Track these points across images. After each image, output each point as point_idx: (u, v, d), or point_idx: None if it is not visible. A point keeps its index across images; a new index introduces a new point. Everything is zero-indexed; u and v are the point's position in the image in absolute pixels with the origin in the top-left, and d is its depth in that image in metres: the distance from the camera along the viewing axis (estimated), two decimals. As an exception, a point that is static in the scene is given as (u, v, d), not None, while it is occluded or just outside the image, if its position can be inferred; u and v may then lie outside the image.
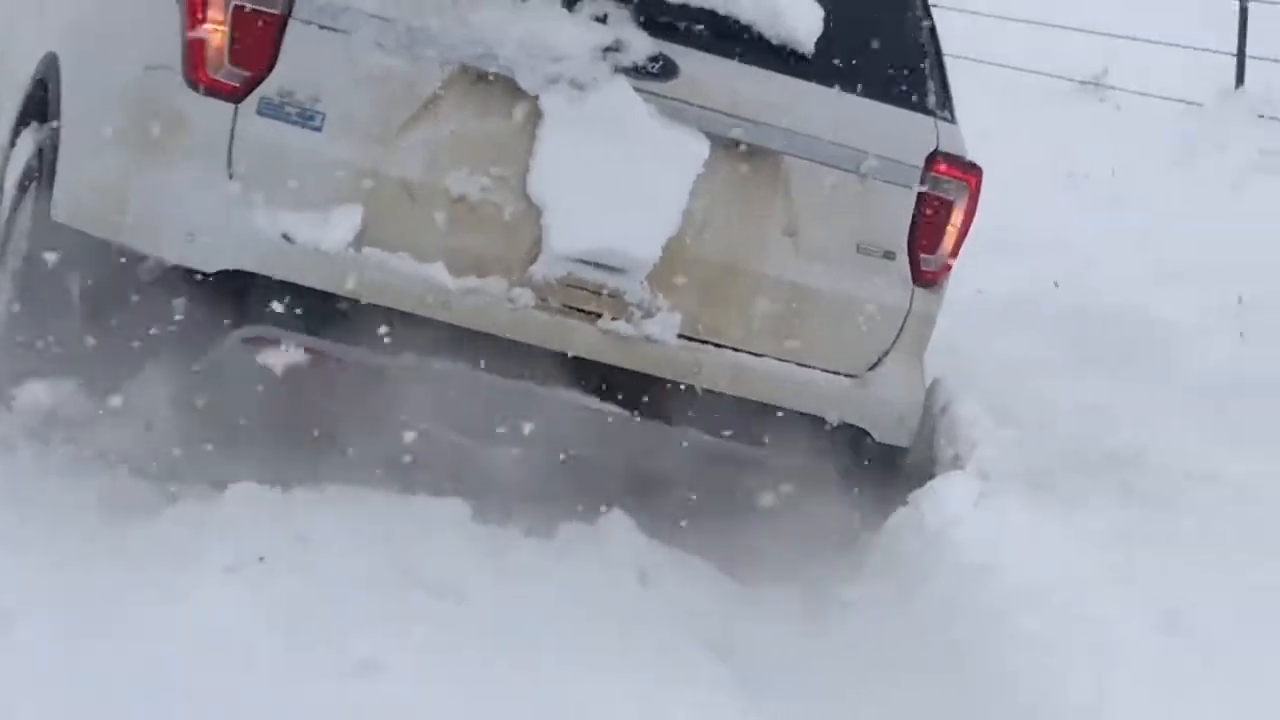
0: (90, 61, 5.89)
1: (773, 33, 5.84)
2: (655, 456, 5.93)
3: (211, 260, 5.52)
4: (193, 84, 5.50)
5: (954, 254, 6.16)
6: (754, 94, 5.81)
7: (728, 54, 5.79)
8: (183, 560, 4.95)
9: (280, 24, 5.52)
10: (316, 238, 5.56)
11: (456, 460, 5.95)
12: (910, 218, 6.04)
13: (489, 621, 4.96)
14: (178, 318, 5.48)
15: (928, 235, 6.07)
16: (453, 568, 5.21)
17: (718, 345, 5.90)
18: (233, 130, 5.53)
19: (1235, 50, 15.86)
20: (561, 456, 5.87)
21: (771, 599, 5.87)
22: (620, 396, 5.83)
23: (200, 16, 5.47)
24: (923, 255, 6.08)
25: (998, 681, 4.95)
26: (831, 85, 5.92)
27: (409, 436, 5.77)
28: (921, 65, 6.13)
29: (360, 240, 5.61)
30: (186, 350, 5.60)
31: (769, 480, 6.00)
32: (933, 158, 6.03)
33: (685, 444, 5.92)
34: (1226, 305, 9.03)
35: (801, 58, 5.88)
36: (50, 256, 5.57)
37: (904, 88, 6.06)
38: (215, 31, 5.48)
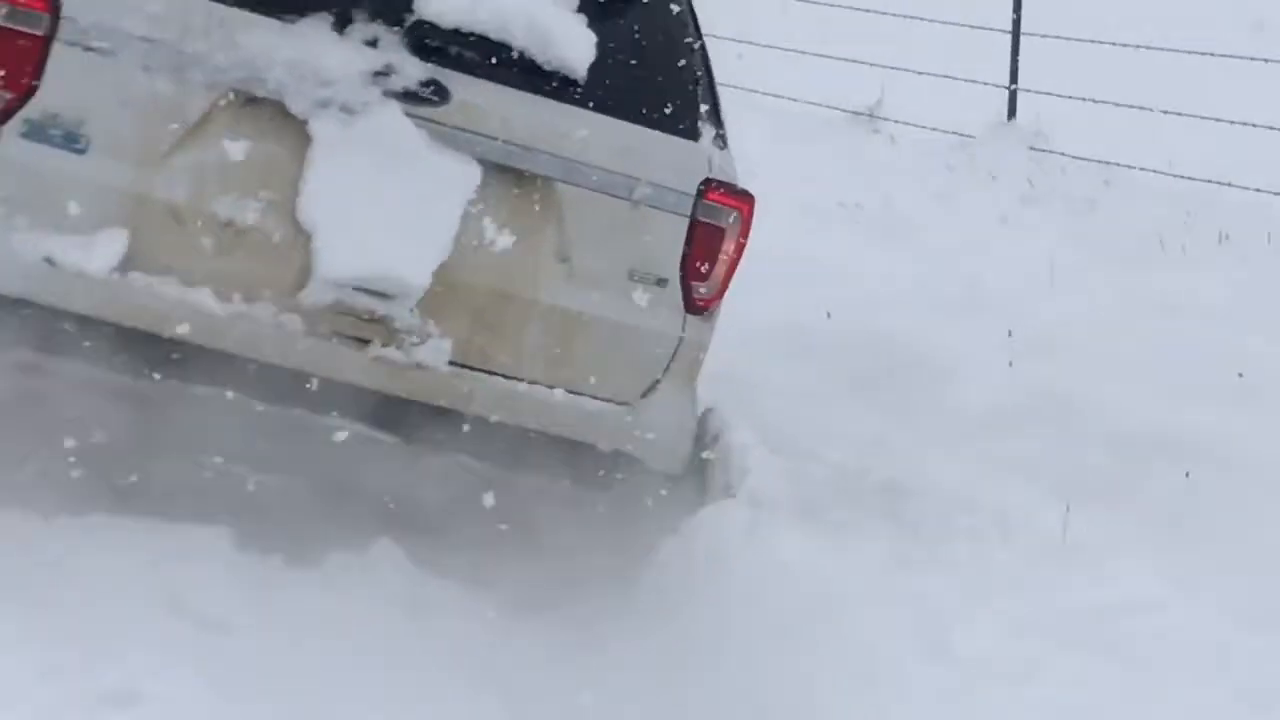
0: None
1: (545, 59, 5.81)
2: (426, 484, 5.88)
3: (-29, 284, 5.40)
4: (-48, 107, 5.38)
5: (726, 282, 6.17)
6: (526, 120, 5.79)
7: (500, 80, 5.76)
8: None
9: (44, 46, 5.40)
10: (80, 262, 5.45)
11: (224, 488, 5.85)
12: (683, 245, 6.04)
13: (253, 653, 4.87)
14: (-64, 343, 5.35)
15: (700, 262, 6.07)
16: (217, 598, 5.12)
17: (489, 372, 5.86)
18: None
19: (1007, 83, 16.13)
20: (331, 484, 5.81)
21: (541, 630, 5.83)
22: (391, 423, 5.77)
23: (-42, 38, 5.35)
24: (695, 283, 6.08)
25: (767, 713, 4.96)
26: (604, 112, 5.91)
27: (175, 464, 5.67)
28: (694, 93, 6.15)
29: (126, 265, 5.50)
30: (-55, 376, 5.47)
31: (540, 508, 5.98)
32: (705, 185, 6.04)
33: (456, 471, 5.88)
34: (997, 337, 9.15)
35: (574, 84, 5.87)
36: None
37: (676, 115, 6.07)
38: None
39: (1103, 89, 14.63)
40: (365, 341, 5.69)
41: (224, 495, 5.87)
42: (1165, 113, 14.10)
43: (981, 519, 6.36)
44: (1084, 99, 14.71)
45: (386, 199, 5.61)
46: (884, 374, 8.46)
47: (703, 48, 6.26)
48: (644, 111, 5.99)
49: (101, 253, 5.48)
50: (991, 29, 16.17)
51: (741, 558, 5.69)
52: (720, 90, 6.32)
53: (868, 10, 16.96)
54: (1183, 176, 13.48)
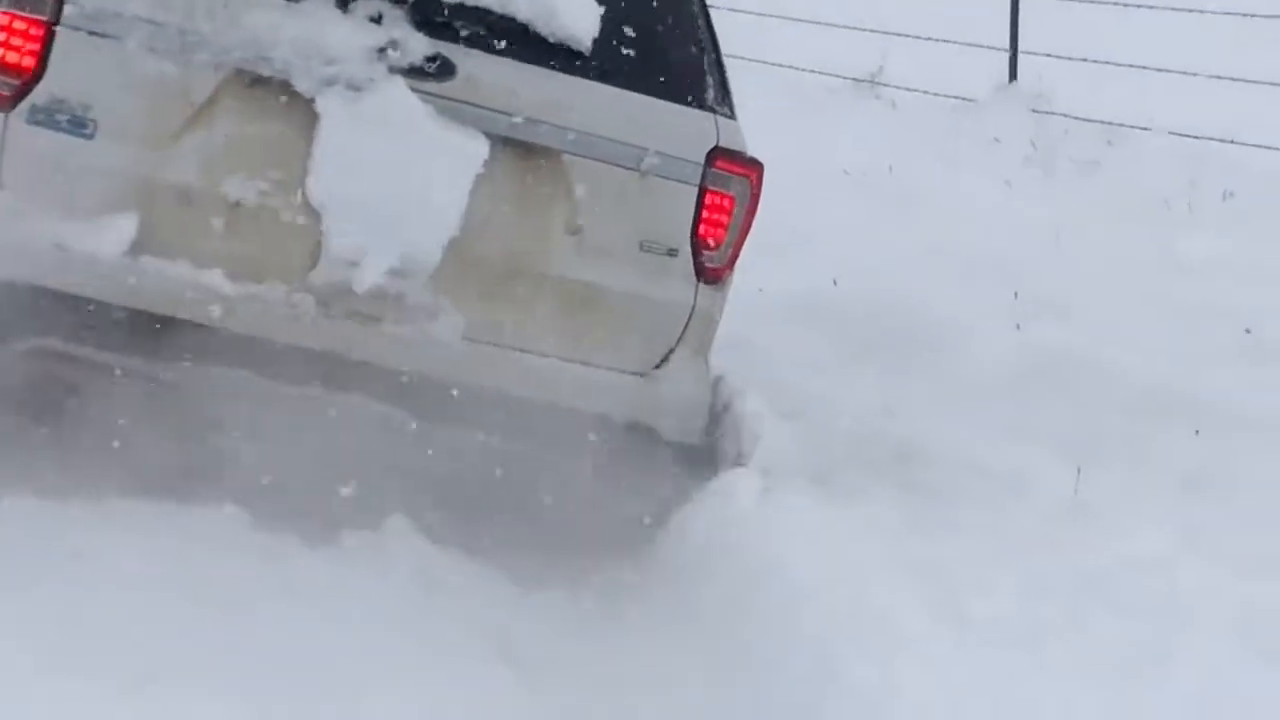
0: None
1: (550, 31, 5.83)
2: (442, 460, 5.89)
3: (-18, 271, 5.42)
4: (-40, 94, 5.40)
5: (737, 250, 6.18)
6: (533, 93, 5.80)
7: (505, 53, 5.77)
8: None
9: (48, 31, 5.42)
10: (91, 246, 5.48)
11: (240, 469, 5.87)
12: (692, 214, 6.05)
13: (272, 633, 4.90)
14: (-49, 331, 5.38)
15: (710, 232, 6.09)
16: (235, 579, 5.14)
17: (502, 346, 5.88)
18: (2, 140, 5.43)
19: (1008, 46, 16.12)
20: (345, 462, 5.83)
21: (557, 601, 5.86)
22: (406, 400, 5.78)
23: (-36, 25, 5.37)
24: (706, 252, 6.10)
25: (782, 677, 4.98)
26: (611, 83, 5.93)
27: (191, 446, 5.69)
28: (700, 62, 6.16)
29: (136, 248, 5.53)
30: (-40, 363, 5.49)
31: (555, 481, 5.99)
32: (713, 154, 6.05)
33: (472, 446, 5.89)
34: (1003, 299, 9.18)
35: (580, 56, 5.88)
36: None
37: (683, 85, 6.08)
38: None
39: (1104, 49, 14.64)
40: (377, 319, 5.71)
41: (239, 476, 5.90)
42: (1167, 71, 14.10)
43: (993, 482, 6.38)
44: (1085, 59, 14.72)
45: (395, 175, 5.63)
46: (892, 339, 8.49)
47: (707, 17, 6.27)
48: (651, 81, 5.99)
49: (112, 236, 5.51)
50: (991, -9, 16.19)
51: (754, 525, 5.71)
52: (725, 59, 6.33)
53: (867, -24, 16.97)
54: (1186, 135, 13.50)
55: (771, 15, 16.84)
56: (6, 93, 5.42)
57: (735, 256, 6.19)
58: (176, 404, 5.62)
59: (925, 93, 15.65)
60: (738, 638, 5.24)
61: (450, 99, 5.68)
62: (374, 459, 5.81)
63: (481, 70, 5.73)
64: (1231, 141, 13.14)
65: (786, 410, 6.65)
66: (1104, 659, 4.91)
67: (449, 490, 5.95)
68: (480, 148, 5.71)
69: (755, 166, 6.13)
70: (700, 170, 6.03)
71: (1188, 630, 5.08)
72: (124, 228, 5.52)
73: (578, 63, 5.88)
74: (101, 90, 5.47)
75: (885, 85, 16.29)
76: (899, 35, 15.92)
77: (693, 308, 6.10)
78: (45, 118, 5.44)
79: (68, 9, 5.42)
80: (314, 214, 5.60)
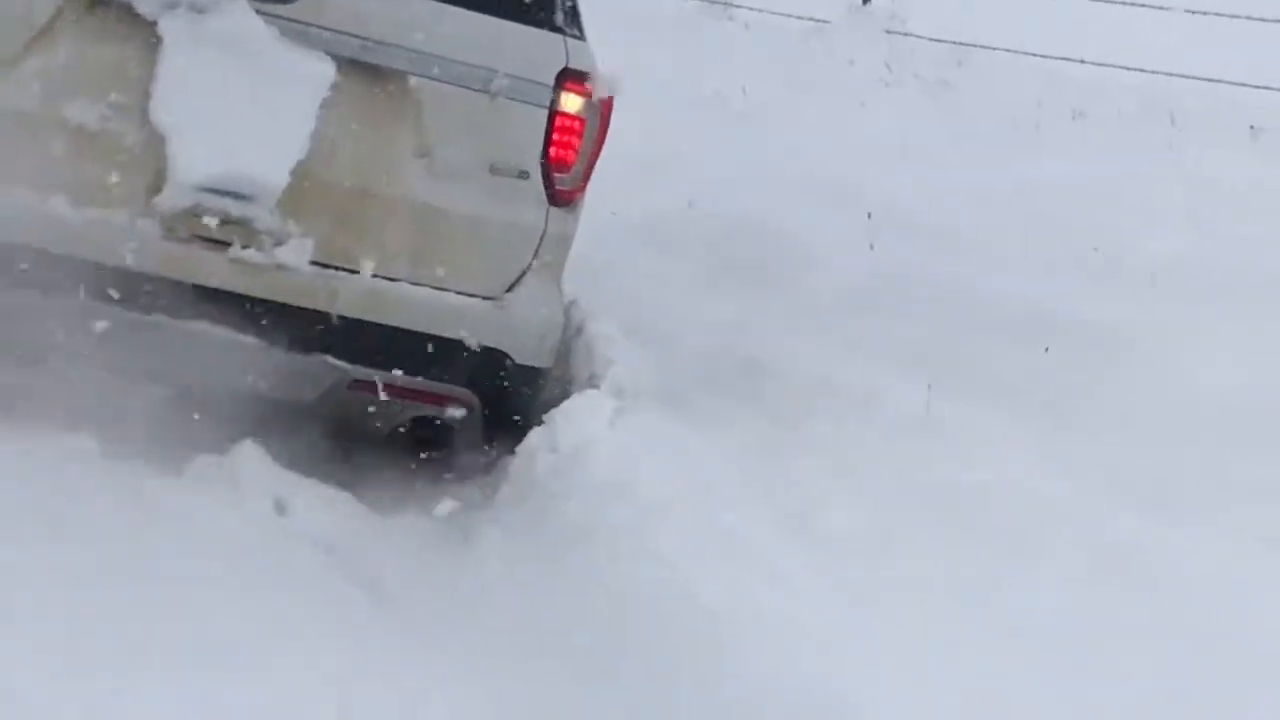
0: None
1: (396, -47, 5.78)
2: (292, 386, 5.87)
3: None
4: None
5: (588, 172, 6.18)
6: (379, 14, 5.75)
7: (351, -26, 5.73)
8: None
9: None
10: (-71, 172, 5.40)
11: (86, 397, 5.82)
12: (543, 136, 6.03)
13: (119, 557, 4.86)
14: None
15: (561, 154, 6.07)
16: (82, 504, 5.09)
17: (352, 271, 5.85)
18: None
19: (860, -34, 16.19)
20: (195, 389, 5.79)
21: (411, 525, 5.87)
22: (255, 326, 5.75)
23: None
24: (557, 174, 6.08)
25: (634, 595, 5.02)
26: (458, 4, 5.88)
27: (36, 374, 5.63)
28: (549, -17, 6.13)
29: (-25, 173, 5.45)
30: None
31: (407, 406, 5.99)
32: (563, 75, 6.03)
33: (322, 372, 5.86)
34: (856, 219, 9.22)
35: (426, -24, 5.84)
36: None
37: (532, 6, 6.05)
38: None
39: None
40: (225, 244, 5.66)
41: (86, 404, 5.85)
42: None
43: (843, 400, 6.43)
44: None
45: (240, 98, 5.57)
46: (745, 260, 8.52)
47: (554, -63, 6.24)
48: (499, 3, 5.96)
49: (-52, 162, 5.42)
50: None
51: (606, 446, 5.73)
52: (573, -19, 6.30)
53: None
54: (1036, 55, 13.60)
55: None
56: None
57: (587, 178, 6.19)
58: (21, 331, 5.55)
59: (777, 14, 15.66)
60: (590, 557, 5.26)
61: (296, 21, 5.63)
62: (222, 385, 5.77)
63: (326, -9, 5.68)
64: (1081, 61, 13.26)
65: (639, 332, 6.68)
66: (948, 569, 4.98)
67: (299, 417, 5.93)
68: (326, 70, 5.66)
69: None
70: (550, 92, 6.01)
71: (1032, 542, 5.16)
72: (-37, 153, 5.44)
73: (425, -16, 5.84)
74: None
75: (737, 6, 16.29)
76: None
77: (544, 231, 6.09)
78: None
79: None
80: (158, 138, 5.54)
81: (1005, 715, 4.40)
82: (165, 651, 4.35)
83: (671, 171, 9.91)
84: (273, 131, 5.61)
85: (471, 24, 5.91)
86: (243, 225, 5.64)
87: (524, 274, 6.11)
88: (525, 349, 6.12)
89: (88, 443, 5.49)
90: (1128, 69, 12.94)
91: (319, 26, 5.65)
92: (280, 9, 5.60)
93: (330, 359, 5.83)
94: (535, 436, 5.97)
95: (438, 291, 5.97)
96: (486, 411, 6.08)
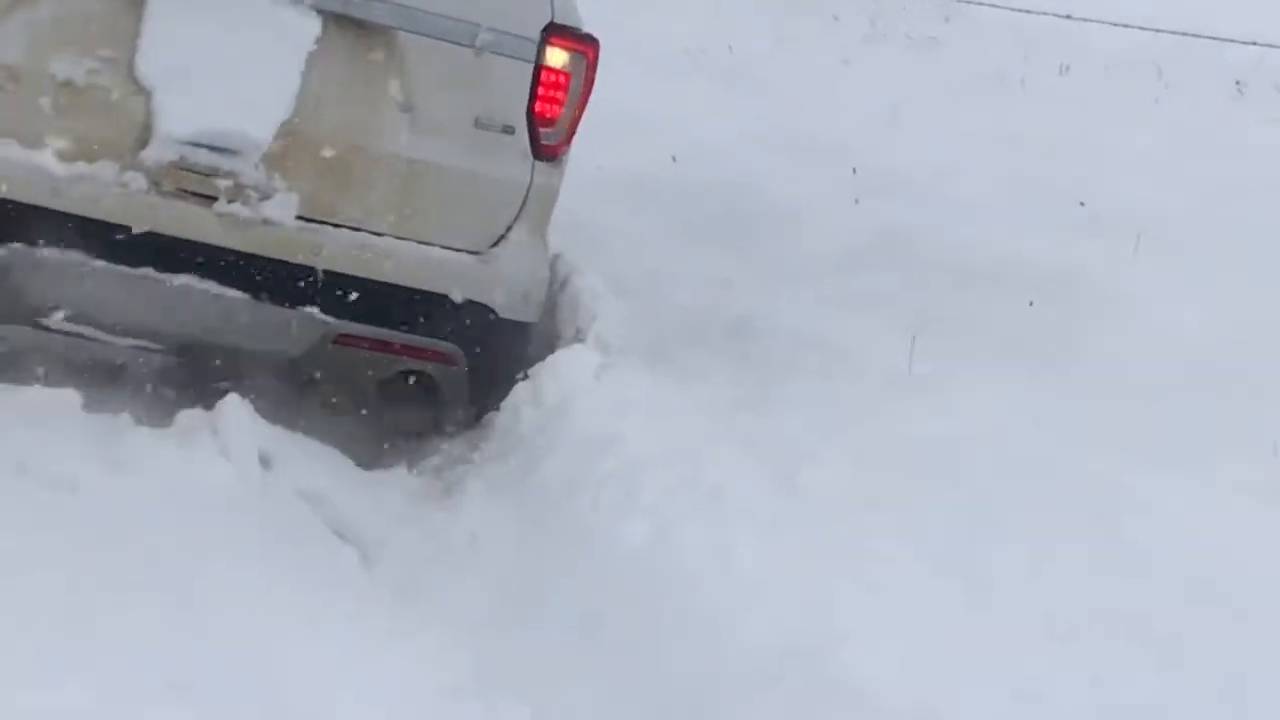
0: None
1: (381, -93, 5.77)
2: (277, 340, 5.87)
3: None
4: None
5: (573, 127, 6.18)
6: (364, -31, 5.75)
7: (334, -72, 5.72)
8: None
9: None
10: (-86, 127, 5.40)
11: (71, 351, 5.84)
12: (528, 91, 6.03)
13: (102, 511, 4.88)
14: None
15: (546, 108, 6.07)
16: (64, 458, 5.11)
17: (337, 225, 5.85)
18: None
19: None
20: (179, 342, 5.80)
21: (395, 479, 5.89)
22: (240, 280, 5.76)
23: None
24: (542, 129, 6.08)
25: (619, 550, 5.03)
26: (443, -41, 5.88)
27: (20, 327, 5.65)
28: (533, -63, 6.12)
29: (-39, 128, 5.46)
30: None
31: (392, 360, 6.00)
32: (548, 30, 6.02)
33: (307, 326, 5.87)
34: (841, 176, 9.23)
35: (411, -68, 5.83)
36: None
37: (517, -40, 6.05)
38: None
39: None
40: (211, 198, 5.67)
41: (71, 358, 5.86)
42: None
43: (828, 355, 6.44)
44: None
45: (225, 53, 5.57)
46: (731, 216, 8.53)
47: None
48: None
49: (-63, 117, 5.42)
50: None
51: (590, 401, 5.75)
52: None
53: None
54: (1023, 10, 13.60)
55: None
56: None
57: (572, 133, 6.19)
58: (7, 285, 5.56)
59: (764, -30, 15.63)
60: (574, 511, 5.28)
61: None
62: (208, 339, 5.79)
63: (311, -54, 5.68)
64: (1068, 17, 13.26)
65: (624, 287, 6.69)
66: (931, 524, 5.00)
67: (285, 371, 5.95)
68: (312, 25, 5.66)
69: (591, 43, 6.12)
70: (535, 46, 6.01)
71: (1018, 500, 5.18)
72: (-51, 108, 5.44)
73: (410, -61, 5.83)
74: None
75: (723, -38, 16.24)
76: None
77: (529, 185, 6.10)
78: None
79: None
80: (144, 92, 5.54)
81: (988, 667, 4.43)
82: (151, 605, 4.37)
83: (657, 128, 9.91)
84: (258, 86, 5.61)
85: (457, -22, 5.90)
86: (228, 180, 5.65)
87: (509, 229, 6.11)
88: (510, 304, 6.13)
89: (71, 396, 5.50)
90: (1114, 25, 12.94)
91: (304, -20, 5.65)
92: (265, -37, 5.60)
93: (316, 313, 5.84)
94: (520, 391, 5.99)
95: (423, 246, 5.98)
96: (471, 366, 6.09)
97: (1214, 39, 12.93)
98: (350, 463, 5.85)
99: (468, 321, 6.03)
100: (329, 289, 5.82)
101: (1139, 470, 5.45)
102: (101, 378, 5.77)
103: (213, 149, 5.61)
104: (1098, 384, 6.58)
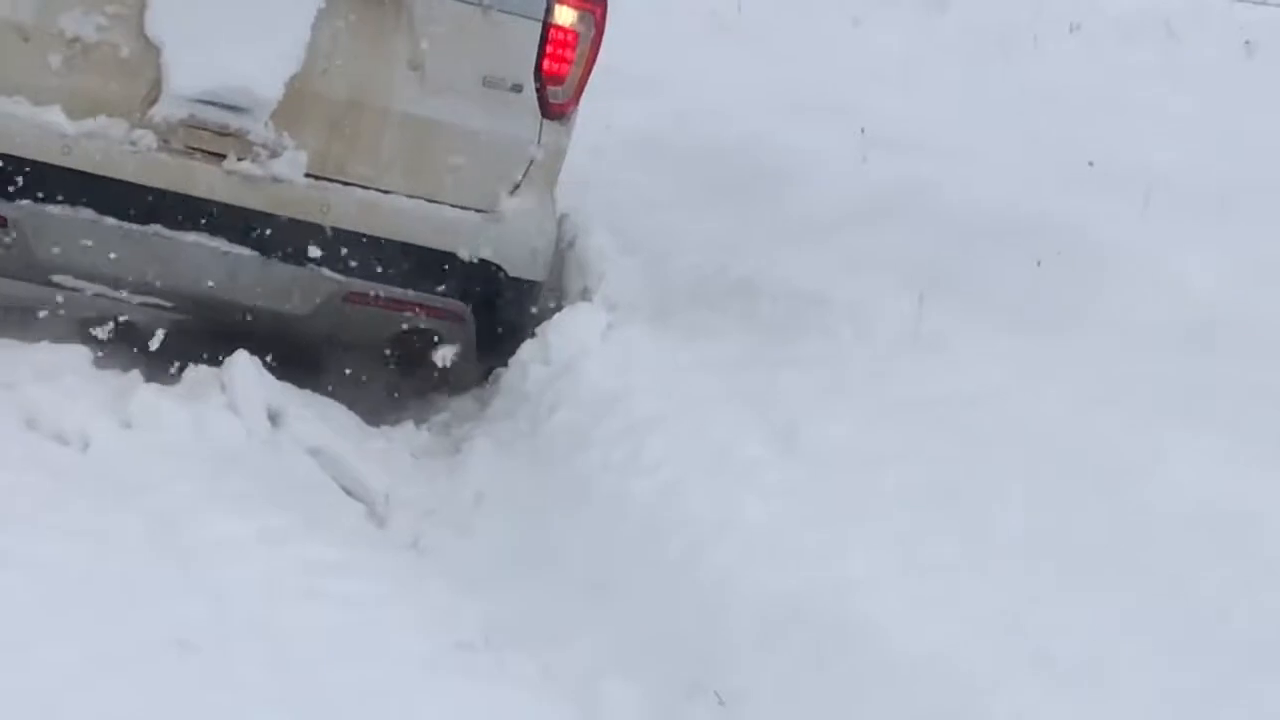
0: None
1: None
2: (286, 297, 5.89)
3: None
4: None
5: (582, 85, 6.18)
6: (373, -73, 5.76)
7: (344, -114, 5.72)
8: None
9: None
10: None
11: (81, 308, 5.86)
12: (536, 49, 6.04)
13: (113, 465, 4.91)
14: None
15: (554, 67, 6.08)
16: (76, 414, 5.14)
17: (346, 183, 5.88)
18: None
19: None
20: (189, 299, 5.83)
21: (404, 436, 5.91)
22: (250, 238, 5.78)
23: None
24: (550, 87, 6.09)
25: (627, 505, 5.05)
26: (451, -84, 5.89)
27: (32, 284, 5.68)
28: (541, -106, 6.11)
29: (-27, 86, 5.48)
30: None
31: (400, 317, 6.02)
32: (557, -12, 6.03)
33: (317, 283, 5.89)
34: (850, 135, 9.20)
35: (420, -111, 5.83)
36: None
37: (527, -84, 6.05)
38: None
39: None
40: (220, 156, 5.69)
41: (82, 315, 5.88)
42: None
43: (835, 314, 6.42)
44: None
45: (235, 12, 5.59)
46: (739, 176, 8.50)
47: None
48: None
49: (-52, 76, 5.44)
50: None
51: (598, 359, 5.77)
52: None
53: None
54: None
55: None
56: None
57: (580, 92, 6.19)
58: (18, 242, 5.58)
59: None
60: (582, 467, 5.30)
61: None
62: (217, 296, 5.80)
63: (322, -97, 5.68)
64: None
65: (631, 246, 6.69)
66: (933, 485, 5.00)
67: (294, 327, 5.97)
68: (321, -17, 5.68)
69: (599, 1, 6.12)
70: (544, 5, 6.01)
71: (1021, 461, 5.18)
72: (-40, 66, 5.46)
73: (418, -104, 5.84)
74: None
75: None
76: None
77: (537, 144, 6.11)
78: None
79: None
80: (153, 50, 5.57)
81: (993, 623, 4.44)
82: (158, 561, 4.39)
83: (666, 87, 9.88)
84: (267, 44, 5.63)
85: (465, -64, 5.91)
86: (238, 137, 5.67)
87: (517, 187, 6.13)
88: (518, 262, 6.15)
89: (81, 353, 5.52)
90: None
91: (313, -61, 5.66)
92: (275, -78, 5.60)
93: (325, 271, 5.86)
94: (527, 349, 6.00)
95: (431, 204, 6.00)
96: (479, 323, 6.11)
97: (1224, -2, 12.91)
98: (358, 419, 5.88)
99: (476, 279, 6.05)
100: (338, 246, 5.84)
101: (1147, 427, 5.44)
102: (111, 335, 5.79)
103: (222, 106, 5.64)
104: (1106, 342, 6.55)
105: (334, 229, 5.85)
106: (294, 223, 5.80)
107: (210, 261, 5.75)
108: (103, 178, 5.61)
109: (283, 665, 4.04)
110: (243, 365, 5.61)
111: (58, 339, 5.62)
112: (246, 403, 5.51)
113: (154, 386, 5.48)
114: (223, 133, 5.66)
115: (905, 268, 7.09)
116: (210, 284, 5.77)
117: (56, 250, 5.63)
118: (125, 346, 5.83)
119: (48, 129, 5.54)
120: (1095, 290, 7.05)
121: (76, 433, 5.08)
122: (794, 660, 4.41)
